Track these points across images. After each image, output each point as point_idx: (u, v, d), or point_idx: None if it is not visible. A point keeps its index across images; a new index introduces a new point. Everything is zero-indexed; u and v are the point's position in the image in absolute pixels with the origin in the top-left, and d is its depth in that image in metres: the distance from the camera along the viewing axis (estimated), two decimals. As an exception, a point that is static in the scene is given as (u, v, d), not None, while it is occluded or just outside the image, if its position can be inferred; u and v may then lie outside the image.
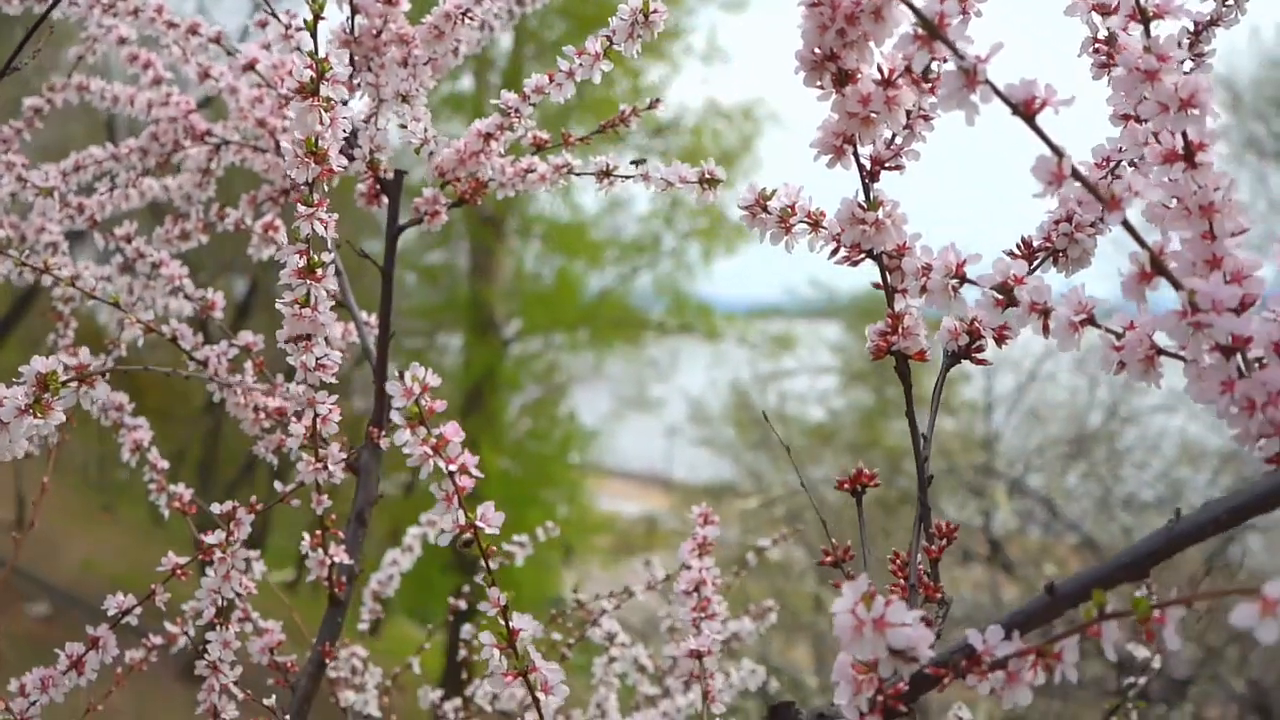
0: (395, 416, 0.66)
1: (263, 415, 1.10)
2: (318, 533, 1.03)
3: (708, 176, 0.94)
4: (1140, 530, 6.56)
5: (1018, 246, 0.74)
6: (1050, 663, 0.54)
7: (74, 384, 0.72)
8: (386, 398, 1.05)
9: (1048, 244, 0.74)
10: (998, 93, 0.54)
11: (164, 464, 1.16)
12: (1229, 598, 0.49)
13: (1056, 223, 0.74)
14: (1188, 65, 0.77)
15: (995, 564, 6.07)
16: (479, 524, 0.68)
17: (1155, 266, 0.55)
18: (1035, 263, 0.74)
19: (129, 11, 1.20)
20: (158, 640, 1.19)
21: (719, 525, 1.03)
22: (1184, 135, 0.58)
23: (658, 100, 1.08)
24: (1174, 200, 0.59)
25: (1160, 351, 0.58)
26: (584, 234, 11.74)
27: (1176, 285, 0.55)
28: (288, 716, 1.01)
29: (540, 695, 0.70)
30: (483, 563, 0.69)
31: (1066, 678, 0.53)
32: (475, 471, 0.68)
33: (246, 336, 1.13)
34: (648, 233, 11.86)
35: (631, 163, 1.01)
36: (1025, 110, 0.54)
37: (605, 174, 1.02)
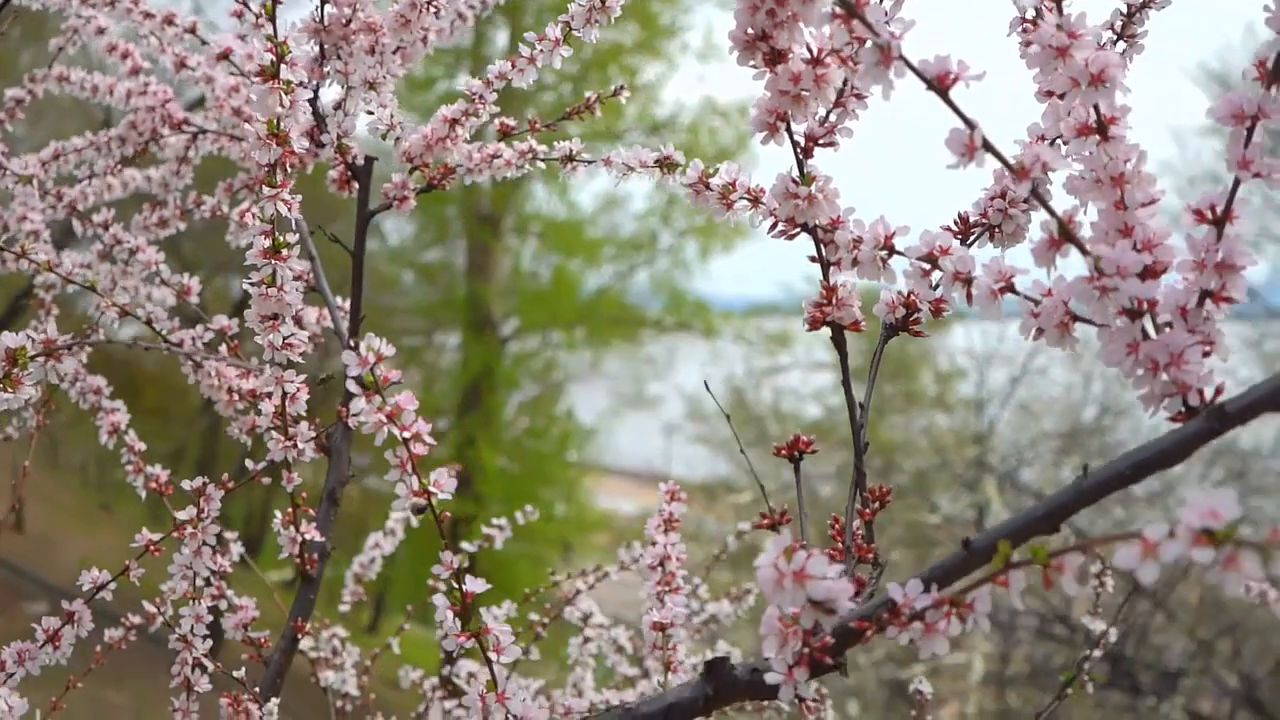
0: (351, 385, 0.69)
1: (236, 397, 1.12)
2: (289, 510, 1.05)
3: (665, 160, 0.96)
4: (1130, 523, 6.59)
5: (954, 222, 0.77)
6: (964, 613, 0.56)
7: (41, 358, 0.74)
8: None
9: (983, 219, 0.76)
10: (912, 68, 0.56)
11: (141, 445, 1.19)
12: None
13: (992, 199, 0.76)
14: (1120, 46, 0.79)
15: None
16: (432, 489, 0.70)
17: (1064, 234, 0.58)
18: (971, 237, 0.77)
19: (106, 2, 1.22)
20: (136, 619, 1.22)
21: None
22: (1096, 109, 0.60)
23: (622, 88, 1.11)
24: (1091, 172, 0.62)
25: (1075, 318, 0.61)
26: (581, 232, 11.77)
27: (1084, 251, 0.57)
28: (258, 689, 1.03)
29: (492, 656, 0.72)
30: (437, 528, 0.72)
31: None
32: (429, 439, 0.70)
33: (221, 320, 1.15)
34: (645, 230, 11.89)
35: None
36: (939, 84, 0.57)
37: (569, 159, 1.05)
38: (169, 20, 1.21)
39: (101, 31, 1.31)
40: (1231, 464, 7.32)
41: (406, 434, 0.70)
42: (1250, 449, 7.52)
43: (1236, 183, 0.58)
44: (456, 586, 0.72)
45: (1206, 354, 0.58)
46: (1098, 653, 1.18)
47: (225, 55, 1.18)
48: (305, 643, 1.44)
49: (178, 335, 1.12)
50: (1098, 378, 7.77)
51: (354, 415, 0.69)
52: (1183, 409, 0.57)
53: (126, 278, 1.26)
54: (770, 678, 0.61)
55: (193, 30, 1.22)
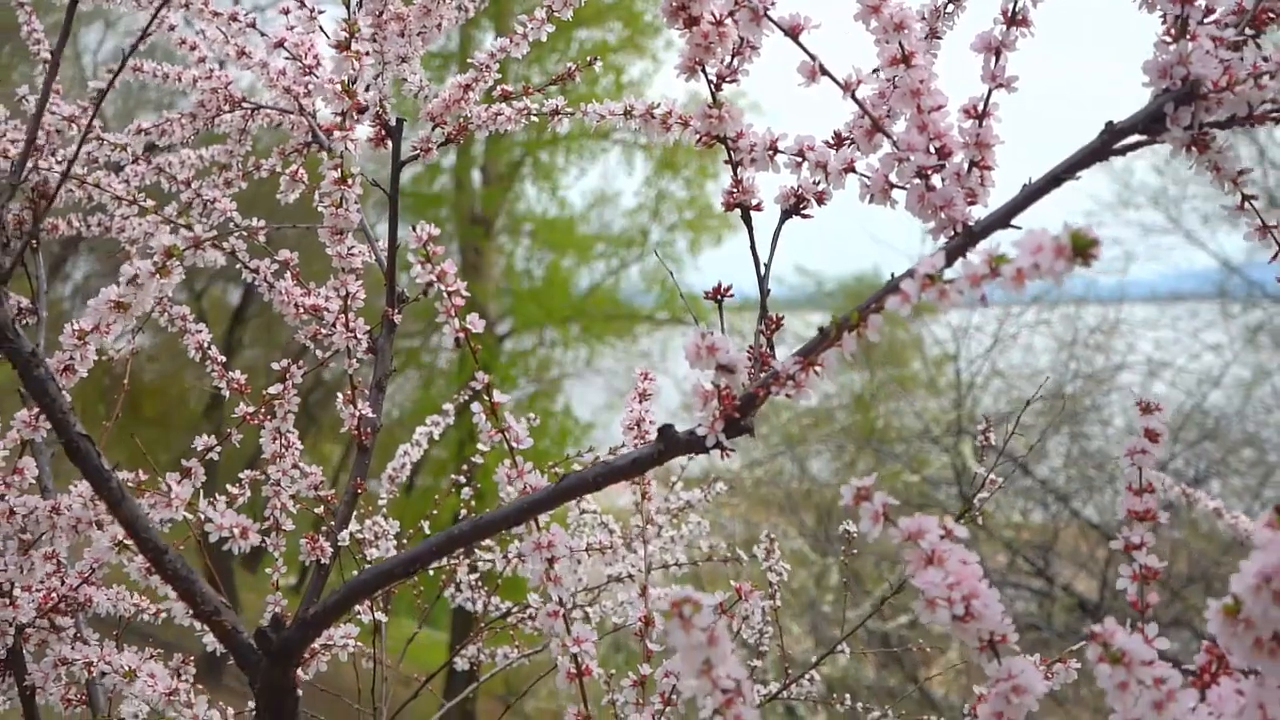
0: (411, 256, 1.00)
1: (301, 310, 1.43)
2: (349, 392, 1.36)
3: (627, 109, 1.27)
4: (1104, 481, 6.94)
5: (833, 135, 1.08)
6: (818, 370, 0.87)
7: (191, 250, 1.05)
8: (396, 292, 1.39)
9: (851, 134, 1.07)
10: (774, 22, 0.88)
11: (222, 358, 1.49)
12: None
13: (855, 118, 1.07)
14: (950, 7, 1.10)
15: (968, 519, 6.44)
16: (469, 326, 1.01)
17: (875, 126, 0.89)
18: (842, 146, 1.07)
19: (181, 4, 1.53)
20: (235, 492, 1.52)
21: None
22: (901, 46, 0.91)
23: (596, 58, 1.42)
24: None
25: (891, 185, 0.92)
26: (572, 229, 12.08)
27: (888, 136, 0.89)
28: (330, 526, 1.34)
29: (513, 445, 1.03)
30: (469, 353, 1.03)
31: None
32: (465, 292, 1.01)
33: (285, 254, 1.46)
34: (635, 226, 12.22)
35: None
36: (792, 32, 0.88)
37: (555, 113, 1.36)
38: (233, 17, 1.52)
39: (172, 28, 1.62)
40: (1204, 423, 7.67)
41: (450, 289, 1.01)
42: (1220, 410, 7.87)
43: (990, 91, 0.89)
44: (488, 399, 1.03)
45: (972, 203, 0.89)
46: (984, 494, 1.49)
47: (280, 44, 1.49)
48: (352, 525, 1.75)
49: (253, 263, 1.43)
50: (1080, 345, 8.17)
51: (412, 277, 1.00)
52: (953, 234, 0.88)
53: (201, 223, 1.57)
54: (699, 430, 0.92)
55: (253, 25, 1.53)
